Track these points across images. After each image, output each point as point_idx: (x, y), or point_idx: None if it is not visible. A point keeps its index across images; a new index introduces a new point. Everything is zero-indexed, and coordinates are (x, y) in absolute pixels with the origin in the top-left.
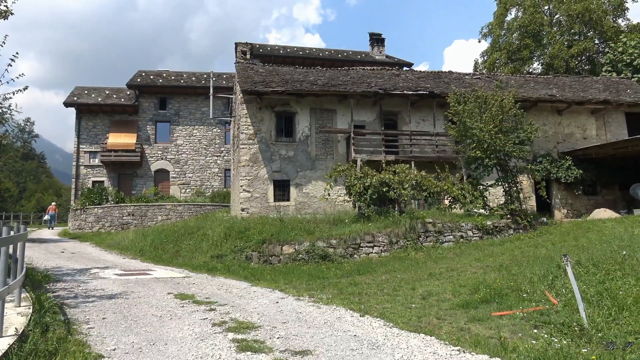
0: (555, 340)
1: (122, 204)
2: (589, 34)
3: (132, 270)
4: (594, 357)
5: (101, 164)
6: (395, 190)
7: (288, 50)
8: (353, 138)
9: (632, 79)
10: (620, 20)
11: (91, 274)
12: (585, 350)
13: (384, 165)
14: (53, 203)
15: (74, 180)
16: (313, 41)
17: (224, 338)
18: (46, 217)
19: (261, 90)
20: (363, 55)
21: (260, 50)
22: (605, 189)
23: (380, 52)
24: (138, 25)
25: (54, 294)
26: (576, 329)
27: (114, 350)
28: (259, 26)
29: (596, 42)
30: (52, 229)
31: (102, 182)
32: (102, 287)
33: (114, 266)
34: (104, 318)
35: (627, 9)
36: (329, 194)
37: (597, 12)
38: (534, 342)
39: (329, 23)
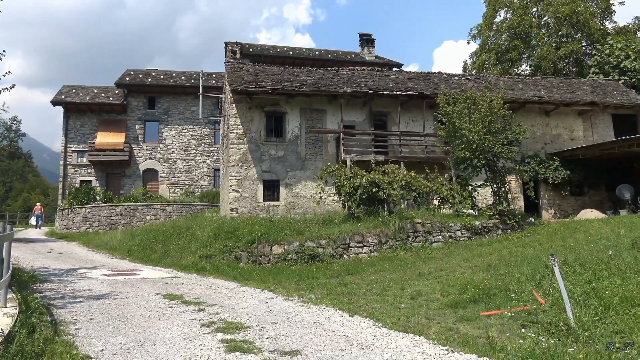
0: (543, 339)
1: (110, 204)
2: (576, 36)
3: (120, 270)
4: (581, 355)
5: (89, 163)
6: (384, 191)
7: (278, 50)
8: (343, 138)
9: (619, 81)
10: (607, 23)
11: (79, 274)
12: (572, 349)
13: (373, 165)
14: (38, 203)
15: (61, 179)
16: (303, 41)
17: (213, 338)
18: (32, 218)
19: (251, 90)
20: (353, 56)
21: (250, 50)
22: (592, 189)
23: (370, 53)
24: (127, 24)
25: (41, 294)
26: (563, 328)
27: (102, 351)
28: (249, 26)
29: (583, 44)
30: (40, 228)
31: (90, 181)
32: (90, 288)
33: (102, 266)
34: (91, 319)
35: (614, 11)
36: (320, 197)
37: (584, 15)
38: (521, 341)
39: (319, 23)
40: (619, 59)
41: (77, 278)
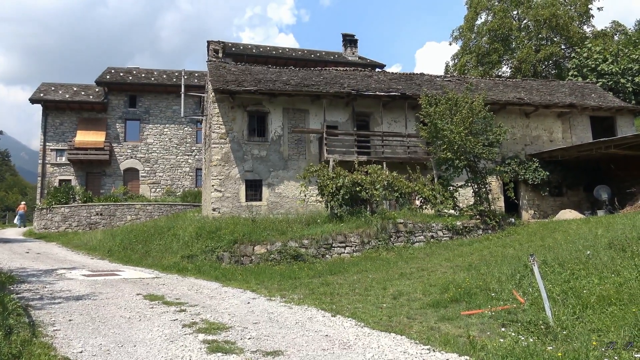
0: (522, 338)
1: (90, 203)
2: (555, 39)
3: (100, 271)
4: (559, 354)
5: (68, 162)
6: (367, 191)
7: (261, 49)
8: (325, 138)
9: (597, 84)
10: (585, 27)
11: (57, 274)
12: (551, 347)
13: (356, 165)
14: (23, 203)
15: (39, 178)
16: (287, 41)
17: (195, 339)
18: (16, 217)
19: (233, 89)
20: (336, 56)
21: (233, 49)
22: (570, 190)
23: (353, 53)
24: (108, 22)
25: (19, 295)
26: (542, 327)
27: (81, 352)
28: (232, 25)
29: (562, 47)
30: (24, 227)
31: (69, 180)
32: (69, 288)
33: (82, 267)
34: (70, 320)
35: (592, 16)
36: (305, 195)
37: (563, 18)
38: (501, 340)
39: (302, 23)
40: (597, 62)
41: (56, 279)
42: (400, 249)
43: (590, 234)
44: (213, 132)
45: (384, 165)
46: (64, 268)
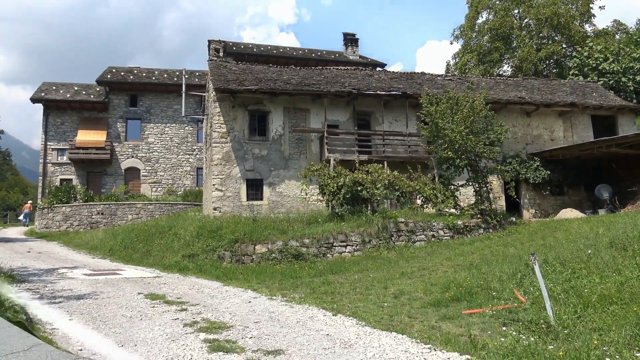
0: (523, 337)
1: (91, 203)
2: (556, 38)
3: (101, 270)
4: (560, 353)
5: (69, 161)
6: (368, 190)
7: (262, 48)
8: (326, 137)
9: (598, 83)
10: (587, 26)
11: (59, 274)
12: (552, 347)
13: (357, 164)
14: (29, 202)
15: (41, 178)
16: (288, 40)
17: (196, 338)
18: (22, 215)
19: (234, 88)
20: (337, 55)
21: (234, 49)
22: (571, 189)
23: (354, 52)
24: (108, 21)
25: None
26: (543, 326)
27: (81, 351)
28: (233, 24)
29: (564, 46)
30: (27, 226)
31: (71, 180)
32: (70, 288)
33: (83, 266)
34: (70, 319)
35: (594, 15)
36: (306, 194)
37: (565, 17)
38: (502, 339)
39: (303, 23)
40: (598, 61)
41: (57, 278)
42: (401, 248)
43: (591, 233)
44: (214, 132)
45: (385, 165)
46: (65, 267)
